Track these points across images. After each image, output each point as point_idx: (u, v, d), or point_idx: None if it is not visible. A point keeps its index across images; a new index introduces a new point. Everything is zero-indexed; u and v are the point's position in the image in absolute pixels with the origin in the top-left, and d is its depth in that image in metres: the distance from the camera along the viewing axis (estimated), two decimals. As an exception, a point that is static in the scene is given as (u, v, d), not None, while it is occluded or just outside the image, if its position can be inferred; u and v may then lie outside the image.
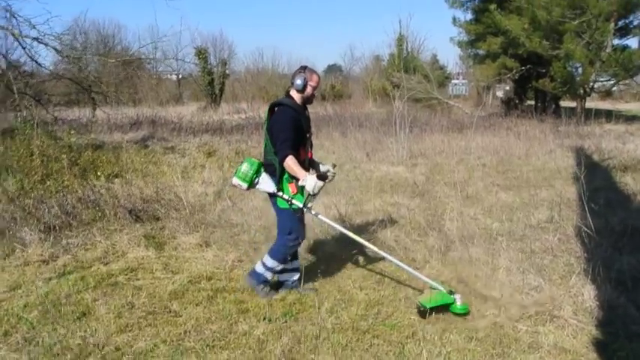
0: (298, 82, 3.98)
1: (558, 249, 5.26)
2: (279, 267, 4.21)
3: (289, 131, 3.89)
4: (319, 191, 3.94)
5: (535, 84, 21.67)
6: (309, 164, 4.21)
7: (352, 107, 24.98)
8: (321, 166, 4.33)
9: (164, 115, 20.93)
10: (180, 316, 3.92)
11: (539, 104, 23.80)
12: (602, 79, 20.83)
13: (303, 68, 4.05)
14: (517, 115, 17.97)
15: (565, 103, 23.55)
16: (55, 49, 11.26)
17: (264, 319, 3.83)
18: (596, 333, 3.56)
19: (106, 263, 5.04)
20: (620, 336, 3.49)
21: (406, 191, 7.99)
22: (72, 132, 10.56)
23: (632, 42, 20.89)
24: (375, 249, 4.33)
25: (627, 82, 21.18)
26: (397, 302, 4.15)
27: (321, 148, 12.55)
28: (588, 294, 4.11)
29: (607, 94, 22.85)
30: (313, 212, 4.18)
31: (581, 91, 20.04)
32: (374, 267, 4.90)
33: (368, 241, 4.46)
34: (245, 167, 3.98)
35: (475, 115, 14.63)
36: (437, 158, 11.15)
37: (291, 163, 3.84)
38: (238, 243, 5.55)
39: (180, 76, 40.92)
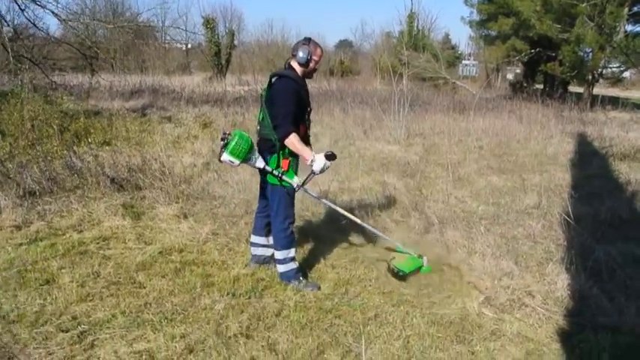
0: (301, 54, 3.71)
1: (540, 235, 5.16)
2: (293, 251, 3.97)
3: (291, 105, 3.63)
4: (325, 171, 3.79)
5: (544, 67, 21.33)
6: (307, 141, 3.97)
7: (359, 84, 24.75)
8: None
9: (168, 85, 20.81)
10: (144, 288, 3.86)
11: (547, 88, 23.46)
12: (612, 66, 20.45)
13: (308, 40, 3.77)
14: (523, 98, 17.69)
15: (574, 89, 23.21)
16: (53, 13, 11.06)
17: (228, 294, 3.77)
18: (563, 323, 3.48)
19: (80, 231, 4.98)
20: (587, 327, 3.40)
21: (397, 170, 7.87)
22: (64, 98, 10.44)
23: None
24: (375, 230, 4.42)
25: (638, 69, 20.78)
26: (367, 282, 4.07)
27: (320, 123, 12.43)
28: (562, 282, 4.02)
29: (617, 81, 22.41)
30: (312, 193, 4.12)
31: (590, 77, 19.70)
32: (350, 246, 4.82)
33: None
34: (237, 142, 3.61)
35: (477, 97, 14.34)
36: (435, 138, 11.00)
37: (295, 140, 3.61)
38: (217, 216, 5.48)
39: (189, 46, 40.69)
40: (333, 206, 4.34)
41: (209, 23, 33.17)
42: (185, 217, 5.41)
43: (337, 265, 4.40)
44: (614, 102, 17.99)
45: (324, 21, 77.56)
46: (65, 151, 7.63)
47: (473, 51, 39.25)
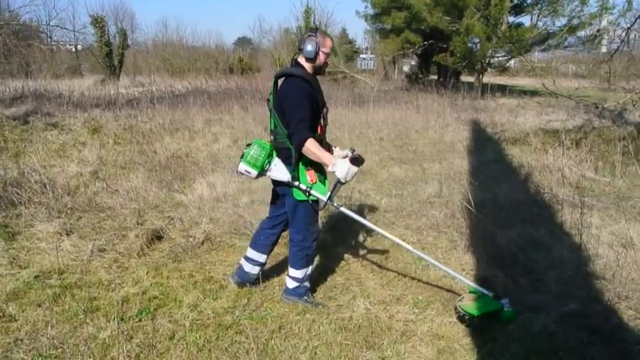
0: (309, 48, 3.24)
1: (444, 224, 5.17)
2: (310, 268, 3.57)
3: (305, 109, 3.19)
4: (352, 179, 3.29)
5: (437, 58, 22.12)
6: (326, 145, 3.48)
7: (260, 81, 24.40)
8: (337, 150, 3.67)
9: (55, 89, 19.31)
10: (16, 321, 3.35)
11: (441, 79, 24.37)
12: (498, 55, 21.58)
13: (314, 31, 3.30)
14: (419, 89, 18.20)
15: (466, 78, 24.30)
16: None
17: (116, 318, 3.36)
18: (472, 315, 3.41)
19: (-61, 261, 4.32)
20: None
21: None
22: None
23: (525, 20, 21.79)
24: (409, 247, 3.66)
25: (521, 57, 22.11)
26: (270, 290, 3.82)
27: (219, 122, 12.04)
28: (468, 272, 4.00)
29: (503, 69, 23.79)
30: (336, 204, 3.55)
31: (479, 66, 20.66)
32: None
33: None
34: (255, 151, 3.27)
35: (375, 89, 14.54)
36: (336, 132, 10.90)
37: (312, 147, 3.15)
38: (104, 229, 4.99)
39: (79, 47, 38.38)
40: (367, 223, 3.74)
41: (98, 22, 31.40)
42: (68, 233, 4.86)
43: (239, 274, 4.10)
44: (502, 89, 18.99)
45: (221, 18, 76.16)
46: None
47: (370, 45, 40.21)
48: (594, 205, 5.57)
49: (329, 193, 3.36)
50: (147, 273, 4.09)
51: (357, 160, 3.23)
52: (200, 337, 3.14)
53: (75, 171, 7.38)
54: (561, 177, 6.30)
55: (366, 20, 27.67)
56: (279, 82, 3.34)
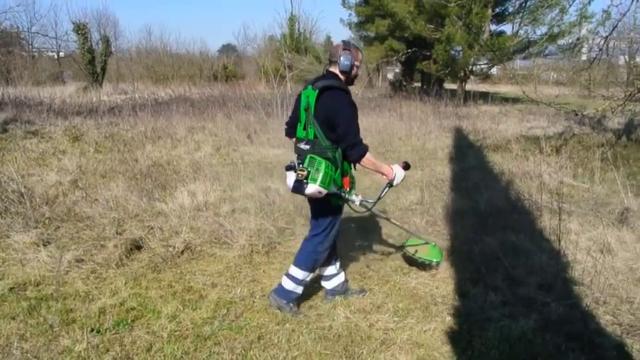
0: (346, 62, 3.28)
1: (425, 232, 5.18)
2: (310, 277, 3.58)
3: (356, 121, 3.27)
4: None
5: (420, 66, 22.27)
6: None
7: (244, 88, 24.35)
8: None
9: (36, 96, 19.08)
10: (-11, 334, 3.29)
11: (424, 86, 24.54)
12: (480, 63, 21.78)
13: (348, 45, 3.34)
14: (402, 96, 18.31)
15: (449, 86, 24.51)
16: None
17: (93, 330, 3.30)
18: (453, 323, 3.42)
19: None
20: (476, 324, 3.36)
21: (282, 175, 7.64)
22: None
23: (507, 28, 22.04)
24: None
25: (503, 65, 22.35)
26: (250, 300, 3.78)
27: (202, 130, 11.99)
28: (448, 279, 4.02)
29: (485, 77, 24.04)
30: (377, 211, 4.03)
31: (462, 74, 20.84)
32: (231, 260, 4.51)
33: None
34: (326, 171, 3.19)
35: (359, 96, 14.60)
36: (320, 140, 10.93)
37: (372, 158, 3.33)
38: (82, 239, 4.92)
39: (61, 54, 38.06)
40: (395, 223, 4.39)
41: (80, 29, 31.16)
42: (45, 244, 4.78)
43: (218, 284, 4.07)
44: (485, 97, 19.19)
45: (206, 26, 76.08)
46: None
47: (354, 52, 40.30)
48: (573, 211, 5.63)
49: (375, 197, 3.70)
50: (125, 284, 4.03)
51: (407, 167, 3.56)
52: (178, 348, 3.10)
53: (54, 180, 7.27)
54: (541, 183, 6.36)
55: (350, 28, 27.83)
56: (323, 93, 3.27)
